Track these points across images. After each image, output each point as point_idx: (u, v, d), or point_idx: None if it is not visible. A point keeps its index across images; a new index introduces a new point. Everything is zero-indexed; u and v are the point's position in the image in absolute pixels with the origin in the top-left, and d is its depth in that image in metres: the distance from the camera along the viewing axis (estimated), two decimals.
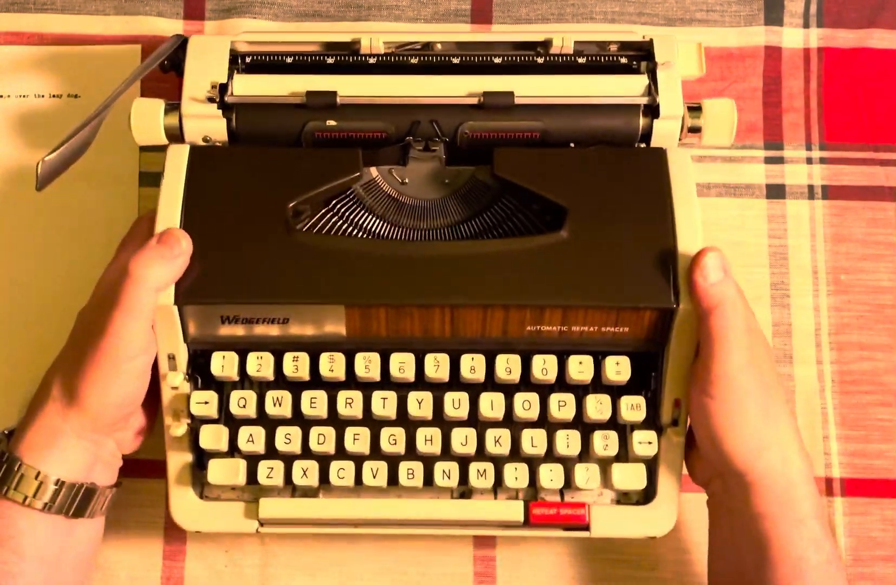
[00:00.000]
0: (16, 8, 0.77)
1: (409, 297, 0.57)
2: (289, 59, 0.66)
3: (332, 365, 0.59)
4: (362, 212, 0.63)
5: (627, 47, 0.67)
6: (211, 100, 0.63)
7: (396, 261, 0.57)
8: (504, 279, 0.57)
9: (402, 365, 0.59)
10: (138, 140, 0.64)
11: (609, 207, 0.59)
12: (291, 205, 0.59)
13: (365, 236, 0.61)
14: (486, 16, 0.77)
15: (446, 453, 0.60)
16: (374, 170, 0.65)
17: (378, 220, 0.63)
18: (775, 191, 0.74)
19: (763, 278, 0.73)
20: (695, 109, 0.64)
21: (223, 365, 0.59)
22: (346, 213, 0.62)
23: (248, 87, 0.65)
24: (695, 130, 0.64)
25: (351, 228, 0.62)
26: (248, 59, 0.66)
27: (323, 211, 0.62)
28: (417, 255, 0.58)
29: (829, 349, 0.72)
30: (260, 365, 0.59)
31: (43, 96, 0.75)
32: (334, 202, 0.62)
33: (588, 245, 0.58)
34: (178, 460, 0.60)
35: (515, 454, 0.60)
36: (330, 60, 0.66)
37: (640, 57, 0.66)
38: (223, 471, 0.59)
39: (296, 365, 0.59)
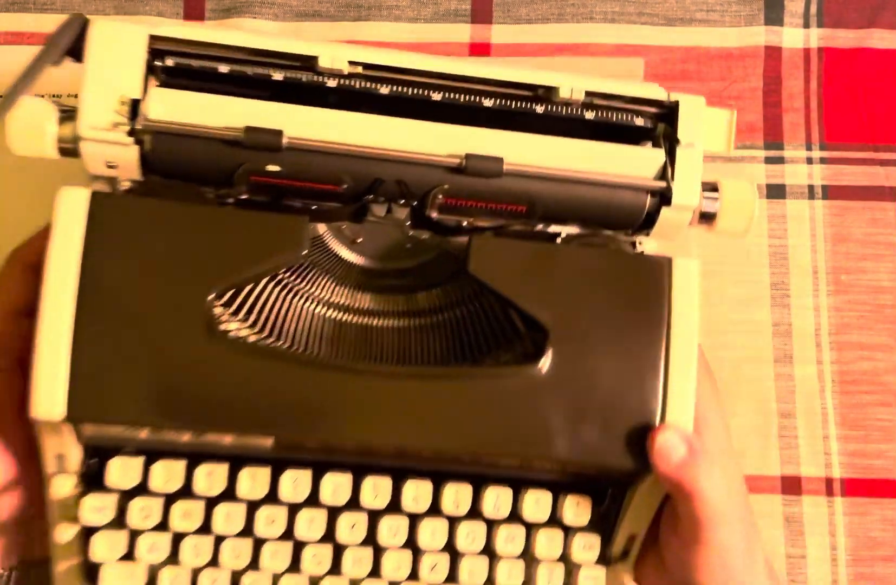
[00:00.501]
0: (16, 8, 0.77)
1: (346, 437, 0.48)
2: (224, 68, 0.52)
3: (253, 485, 0.49)
4: (305, 271, 0.53)
5: (646, 103, 0.55)
6: (118, 124, 0.50)
7: (335, 389, 0.48)
8: (462, 424, 0.48)
9: (337, 487, 0.50)
10: (16, 150, 0.50)
11: (596, 333, 0.50)
12: (211, 297, 0.48)
13: (312, 306, 0.52)
14: (486, 16, 0.77)
15: (375, 574, 0.51)
16: (321, 227, 0.54)
17: (324, 280, 0.53)
18: (775, 191, 0.74)
19: (763, 278, 0.73)
20: (710, 189, 0.55)
21: (121, 475, 0.48)
22: (284, 275, 0.53)
23: (168, 107, 0.50)
24: (708, 216, 0.54)
25: (287, 293, 0.52)
26: (169, 61, 0.51)
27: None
28: (360, 386, 0.48)
29: (829, 349, 0.72)
30: (167, 479, 0.48)
31: (43, 96, 0.75)
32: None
33: (565, 387, 0.49)
34: (65, 565, 0.51)
35: (452, 579, 0.52)
36: (277, 76, 0.52)
37: (659, 116, 0.55)
38: (119, 579, 0.50)
39: (210, 481, 0.49)
